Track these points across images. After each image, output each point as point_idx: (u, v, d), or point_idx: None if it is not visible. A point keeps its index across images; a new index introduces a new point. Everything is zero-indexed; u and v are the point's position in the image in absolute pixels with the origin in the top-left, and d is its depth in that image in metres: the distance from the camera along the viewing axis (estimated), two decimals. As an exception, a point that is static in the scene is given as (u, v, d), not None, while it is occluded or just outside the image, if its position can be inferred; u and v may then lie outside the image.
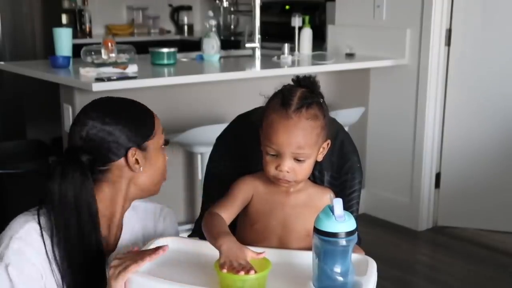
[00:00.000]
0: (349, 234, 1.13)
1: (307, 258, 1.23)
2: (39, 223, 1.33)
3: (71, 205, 1.32)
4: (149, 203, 1.57)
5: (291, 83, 1.41)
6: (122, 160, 1.37)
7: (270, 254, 1.26)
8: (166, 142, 1.46)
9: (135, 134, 1.38)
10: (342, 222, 1.13)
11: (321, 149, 1.41)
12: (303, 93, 1.36)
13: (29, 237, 1.31)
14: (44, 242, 1.31)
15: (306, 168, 1.38)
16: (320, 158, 1.43)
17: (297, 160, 1.35)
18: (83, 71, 2.77)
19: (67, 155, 1.36)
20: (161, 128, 1.44)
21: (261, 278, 1.17)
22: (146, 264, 1.26)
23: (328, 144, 1.43)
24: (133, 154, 1.37)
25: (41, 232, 1.32)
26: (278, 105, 1.35)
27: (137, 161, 1.38)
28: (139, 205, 1.53)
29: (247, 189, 1.46)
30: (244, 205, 1.46)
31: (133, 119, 1.39)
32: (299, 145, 1.34)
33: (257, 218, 1.44)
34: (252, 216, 1.45)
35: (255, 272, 1.16)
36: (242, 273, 1.15)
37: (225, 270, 1.16)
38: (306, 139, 1.34)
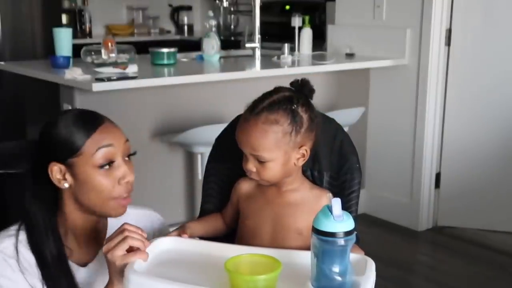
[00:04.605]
0: (347, 234, 1.13)
1: (305, 258, 1.23)
2: (16, 242, 1.36)
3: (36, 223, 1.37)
4: (136, 209, 1.54)
5: (288, 85, 1.44)
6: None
7: (269, 253, 1.26)
8: (106, 164, 1.34)
9: (57, 150, 1.34)
10: (341, 222, 1.13)
11: (298, 155, 1.41)
12: (279, 98, 1.39)
13: (3, 252, 1.35)
14: (18, 256, 1.35)
15: (270, 169, 1.40)
16: (300, 163, 1.43)
17: (259, 161, 1.40)
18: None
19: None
20: (102, 148, 1.33)
21: (272, 279, 1.18)
22: (145, 264, 1.26)
23: (306, 151, 1.42)
24: (52, 169, 1.34)
25: (16, 251, 1.35)
26: (249, 106, 1.42)
27: (64, 178, 1.35)
28: (129, 212, 1.49)
29: (234, 193, 1.53)
30: (236, 207, 1.53)
31: (59, 135, 1.34)
32: (253, 147, 1.38)
33: (249, 214, 1.47)
34: (244, 213, 1.49)
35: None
36: None
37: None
38: (261, 143, 1.37)
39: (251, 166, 1.40)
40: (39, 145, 1.37)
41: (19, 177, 2.78)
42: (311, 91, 1.42)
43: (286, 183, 1.45)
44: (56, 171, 1.34)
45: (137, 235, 1.28)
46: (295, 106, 1.39)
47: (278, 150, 1.39)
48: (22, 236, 1.37)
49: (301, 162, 1.43)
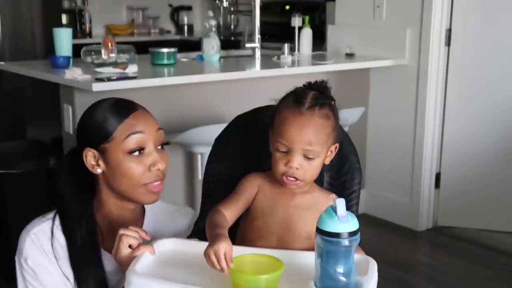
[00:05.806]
0: (352, 234, 1.13)
1: (308, 258, 1.23)
2: (52, 226, 1.40)
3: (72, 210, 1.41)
4: (171, 204, 1.60)
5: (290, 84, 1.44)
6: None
7: (273, 254, 1.26)
8: (136, 150, 1.38)
9: (91, 136, 1.39)
10: (345, 222, 1.12)
11: (329, 152, 1.42)
12: (316, 94, 1.40)
13: (38, 237, 1.39)
14: (52, 244, 1.38)
15: (314, 166, 1.39)
16: (327, 162, 1.44)
17: (306, 157, 1.37)
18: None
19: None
20: (132, 134, 1.37)
21: (274, 279, 1.18)
22: (146, 265, 1.26)
23: (336, 147, 1.44)
24: (87, 154, 1.39)
25: (51, 234, 1.39)
26: (291, 103, 1.39)
27: (97, 163, 1.39)
28: (162, 205, 1.55)
29: (252, 186, 1.46)
30: (249, 202, 1.46)
31: (93, 121, 1.39)
32: (309, 142, 1.36)
33: (258, 215, 1.44)
34: (253, 213, 1.45)
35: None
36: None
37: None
38: (317, 137, 1.37)
39: (297, 163, 1.37)
40: (77, 131, 1.43)
41: (19, 177, 2.79)
42: (330, 92, 1.43)
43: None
44: (90, 156, 1.39)
45: (131, 232, 1.31)
46: (333, 102, 1.42)
47: (325, 145, 1.40)
48: (59, 220, 1.42)
49: (328, 161, 1.44)
